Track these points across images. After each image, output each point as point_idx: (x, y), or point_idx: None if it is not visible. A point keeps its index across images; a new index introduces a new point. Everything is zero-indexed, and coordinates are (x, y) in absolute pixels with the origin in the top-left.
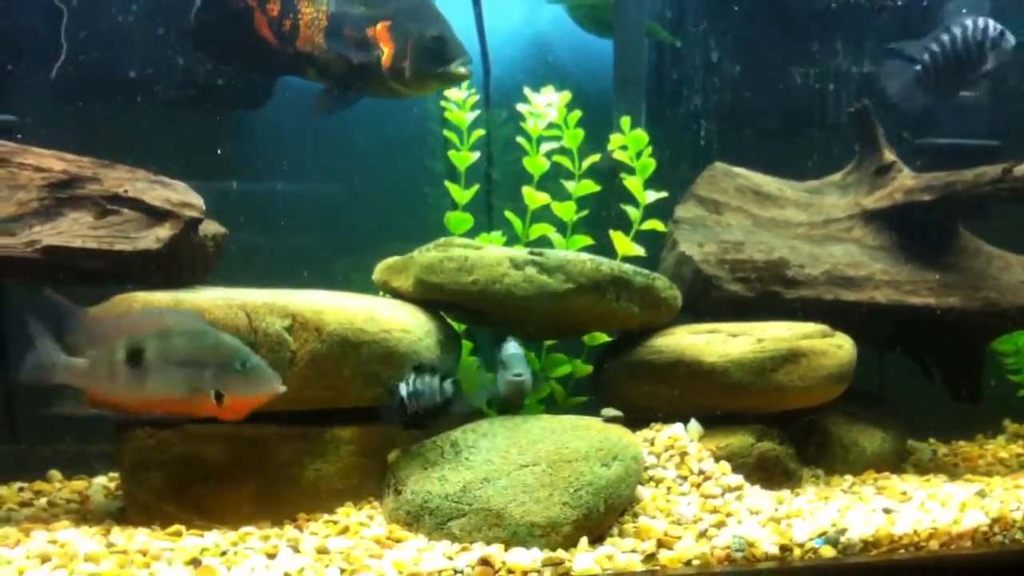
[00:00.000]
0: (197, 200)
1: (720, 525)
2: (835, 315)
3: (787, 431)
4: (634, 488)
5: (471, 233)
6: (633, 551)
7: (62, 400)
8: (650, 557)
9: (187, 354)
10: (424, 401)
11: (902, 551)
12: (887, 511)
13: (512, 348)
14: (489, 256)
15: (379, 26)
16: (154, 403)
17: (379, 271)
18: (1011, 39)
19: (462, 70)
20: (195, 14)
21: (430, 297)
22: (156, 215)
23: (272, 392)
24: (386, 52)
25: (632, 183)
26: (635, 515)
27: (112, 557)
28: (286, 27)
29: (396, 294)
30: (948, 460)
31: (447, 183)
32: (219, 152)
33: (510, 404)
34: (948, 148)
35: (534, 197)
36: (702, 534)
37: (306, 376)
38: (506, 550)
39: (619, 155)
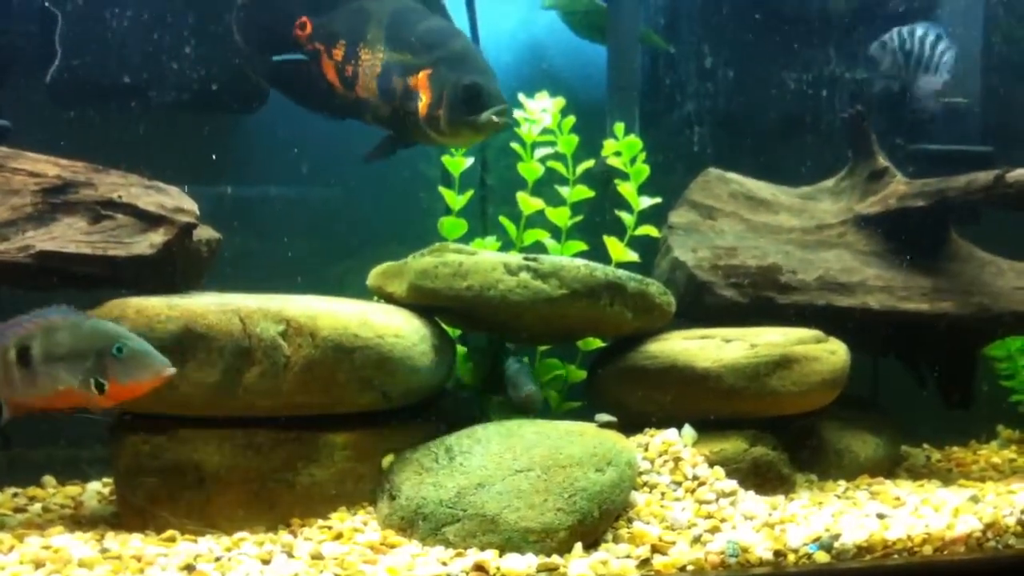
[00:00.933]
0: (191, 205)
1: (714, 530)
2: (828, 320)
3: (781, 436)
4: (628, 493)
5: (466, 239)
6: (628, 557)
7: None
8: (644, 563)
9: (67, 346)
10: None
11: (896, 556)
12: (881, 516)
13: (516, 365)
14: (484, 262)
15: (420, 74)
16: (49, 399)
17: (373, 276)
18: None
19: (495, 119)
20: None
21: (424, 302)
22: (150, 220)
23: (158, 376)
24: (423, 100)
25: (626, 189)
26: (629, 520)
27: (106, 563)
28: (348, 72)
29: (391, 299)
30: (942, 465)
31: (441, 188)
32: (213, 157)
33: (524, 415)
34: (941, 154)
35: (528, 203)
36: (696, 539)
37: (300, 381)
38: (501, 556)
39: (613, 161)
